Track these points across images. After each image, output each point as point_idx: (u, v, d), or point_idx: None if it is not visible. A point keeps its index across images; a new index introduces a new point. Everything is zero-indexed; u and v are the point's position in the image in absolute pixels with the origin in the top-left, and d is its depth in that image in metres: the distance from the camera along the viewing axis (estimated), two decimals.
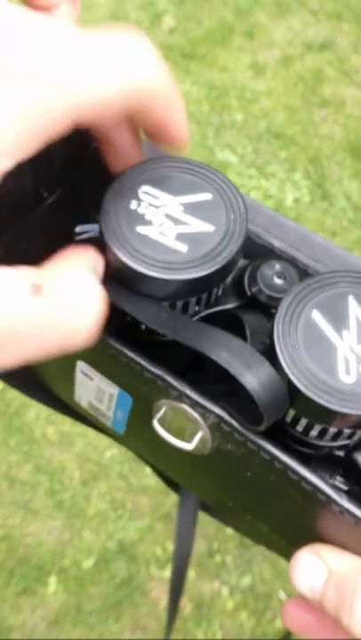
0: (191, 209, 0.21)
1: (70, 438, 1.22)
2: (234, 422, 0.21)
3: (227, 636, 1.05)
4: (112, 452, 1.21)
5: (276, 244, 0.24)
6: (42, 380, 0.35)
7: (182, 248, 0.21)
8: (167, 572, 1.10)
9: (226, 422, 0.21)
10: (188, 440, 0.23)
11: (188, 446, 0.23)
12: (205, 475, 0.26)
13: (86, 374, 0.27)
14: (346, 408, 0.19)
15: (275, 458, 0.21)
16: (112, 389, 0.26)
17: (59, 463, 1.20)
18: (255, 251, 0.24)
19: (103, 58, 0.18)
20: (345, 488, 0.21)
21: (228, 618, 1.07)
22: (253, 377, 0.19)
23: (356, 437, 0.22)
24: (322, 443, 0.22)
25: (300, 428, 0.21)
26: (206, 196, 0.22)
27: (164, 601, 1.08)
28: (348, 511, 0.20)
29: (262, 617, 1.07)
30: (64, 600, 1.08)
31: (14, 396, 1.27)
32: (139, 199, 0.21)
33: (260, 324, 0.22)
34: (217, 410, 0.21)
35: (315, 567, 0.23)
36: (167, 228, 0.21)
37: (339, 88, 1.82)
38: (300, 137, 1.72)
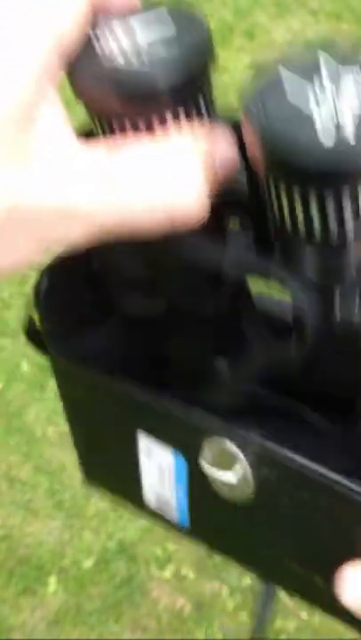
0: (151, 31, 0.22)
1: (70, 438, 1.22)
2: (263, 441, 0.23)
3: (227, 636, 1.05)
4: None
5: None
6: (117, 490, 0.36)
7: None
8: (167, 572, 1.10)
9: (259, 444, 0.23)
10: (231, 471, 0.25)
11: (232, 478, 0.24)
12: (260, 531, 0.27)
13: (146, 450, 0.29)
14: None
15: (303, 466, 0.22)
16: (168, 458, 0.28)
17: (59, 463, 1.20)
18: None
19: None
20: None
21: (228, 618, 1.07)
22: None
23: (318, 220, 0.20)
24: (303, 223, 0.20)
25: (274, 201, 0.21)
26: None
27: (164, 601, 1.08)
28: None
29: None
30: (64, 600, 1.08)
31: (14, 395, 1.27)
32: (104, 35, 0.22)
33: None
34: (252, 435, 0.23)
35: None
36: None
37: None
38: None
